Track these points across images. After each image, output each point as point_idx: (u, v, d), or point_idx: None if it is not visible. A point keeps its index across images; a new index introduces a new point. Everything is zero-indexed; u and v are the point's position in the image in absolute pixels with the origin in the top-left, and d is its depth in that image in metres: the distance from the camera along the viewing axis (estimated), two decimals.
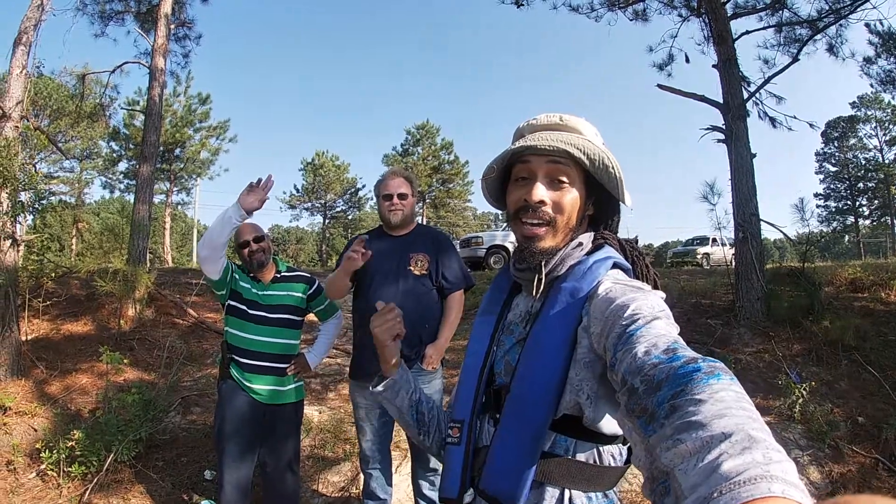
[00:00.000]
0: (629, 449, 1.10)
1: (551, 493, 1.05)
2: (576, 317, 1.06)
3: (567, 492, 1.05)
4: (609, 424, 1.04)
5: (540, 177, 1.13)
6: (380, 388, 1.37)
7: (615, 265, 1.13)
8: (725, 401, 0.62)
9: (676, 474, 0.58)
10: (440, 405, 1.42)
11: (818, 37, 9.11)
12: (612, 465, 1.08)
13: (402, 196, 3.20)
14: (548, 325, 1.09)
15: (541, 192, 1.12)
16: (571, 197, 1.14)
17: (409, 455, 4.04)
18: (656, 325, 0.87)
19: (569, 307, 1.08)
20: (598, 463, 1.06)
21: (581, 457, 1.06)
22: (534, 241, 1.14)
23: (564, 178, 1.13)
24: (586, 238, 1.19)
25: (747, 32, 8.93)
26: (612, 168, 1.11)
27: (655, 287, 1.15)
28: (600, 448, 1.07)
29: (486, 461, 1.09)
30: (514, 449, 1.05)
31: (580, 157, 1.10)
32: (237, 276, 3.24)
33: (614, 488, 1.11)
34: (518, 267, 1.21)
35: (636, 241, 1.27)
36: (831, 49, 9.28)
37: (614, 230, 1.27)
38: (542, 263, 1.14)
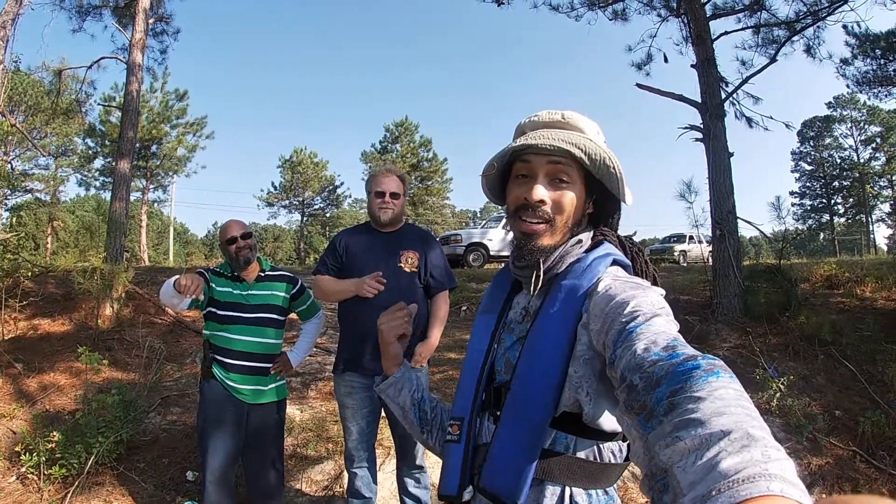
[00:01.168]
0: (629, 446, 1.09)
1: (552, 491, 1.05)
2: (576, 314, 1.06)
3: (567, 489, 1.05)
4: (609, 421, 1.04)
5: (540, 176, 1.13)
6: (382, 385, 1.38)
7: (615, 262, 1.13)
8: (724, 398, 0.62)
9: (675, 471, 0.58)
10: (443, 405, 1.41)
11: (796, 38, 9.24)
12: (613, 461, 1.08)
13: (394, 195, 3.17)
14: (548, 322, 1.09)
15: (541, 191, 1.12)
16: (571, 197, 1.14)
17: (392, 452, 4.04)
18: (656, 323, 0.87)
19: (569, 304, 1.08)
20: (598, 460, 1.06)
21: (581, 454, 1.06)
22: (532, 238, 1.14)
23: (565, 178, 1.13)
24: (586, 235, 1.19)
25: (726, 33, 9.04)
26: (613, 167, 1.12)
27: (655, 283, 1.15)
28: (600, 445, 1.07)
29: (486, 459, 1.09)
30: (515, 446, 1.05)
31: (581, 157, 1.10)
32: (213, 285, 3.19)
33: (614, 485, 1.11)
34: (517, 265, 1.21)
35: (634, 237, 1.28)
36: (809, 50, 9.42)
37: (614, 228, 1.27)
38: (541, 261, 1.14)
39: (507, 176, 1.22)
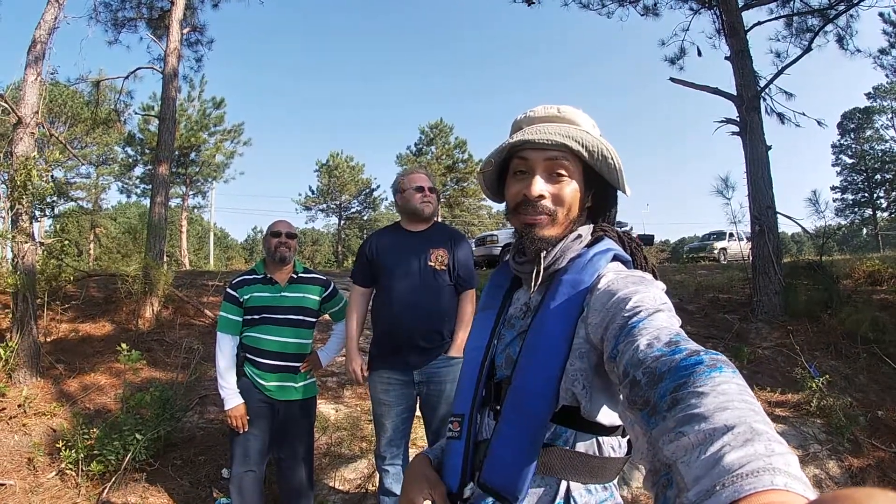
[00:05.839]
0: (629, 441, 1.09)
1: (552, 485, 1.05)
2: (577, 309, 1.05)
3: (567, 483, 1.05)
4: (607, 416, 1.04)
5: (538, 171, 1.12)
6: None
7: (615, 257, 1.12)
8: (728, 393, 0.61)
9: (679, 467, 0.58)
10: None
11: (829, 28, 9.03)
12: (613, 456, 1.07)
13: (432, 189, 3.24)
14: (549, 317, 1.08)
15: (540, 186, 1.11)
16: (571, 189, 1.13)
17: None
18: (658, 318, 0.86)
19: (570, 299, 1.07)
20: (598, 454, 1.06)
21: (581, 448, 1.05)
22: (534, 227, 1.13)
23: (563, 171, 1.12)
24: (585, 230, 1.18)
25: (759, 23, 8.88)
26: (612, 159, 1.11)
27: (655, 278, 1.13)
28: (600, 439, 1.06)
29: (487, 454, 1.09)
30: (515, 441, 1.05)
31: (578, 150, 1.10)
32: (250, 295, 3.28)
33: (614, 481, 1.10)
34: (518, 260, 1.21)
35: (632, 233, 1.26)
36: (840, 41, 9.19)
37: (612, 221, 1.27)
38: (542, 255, 1.13)
39: (506, 173, 1.21)
